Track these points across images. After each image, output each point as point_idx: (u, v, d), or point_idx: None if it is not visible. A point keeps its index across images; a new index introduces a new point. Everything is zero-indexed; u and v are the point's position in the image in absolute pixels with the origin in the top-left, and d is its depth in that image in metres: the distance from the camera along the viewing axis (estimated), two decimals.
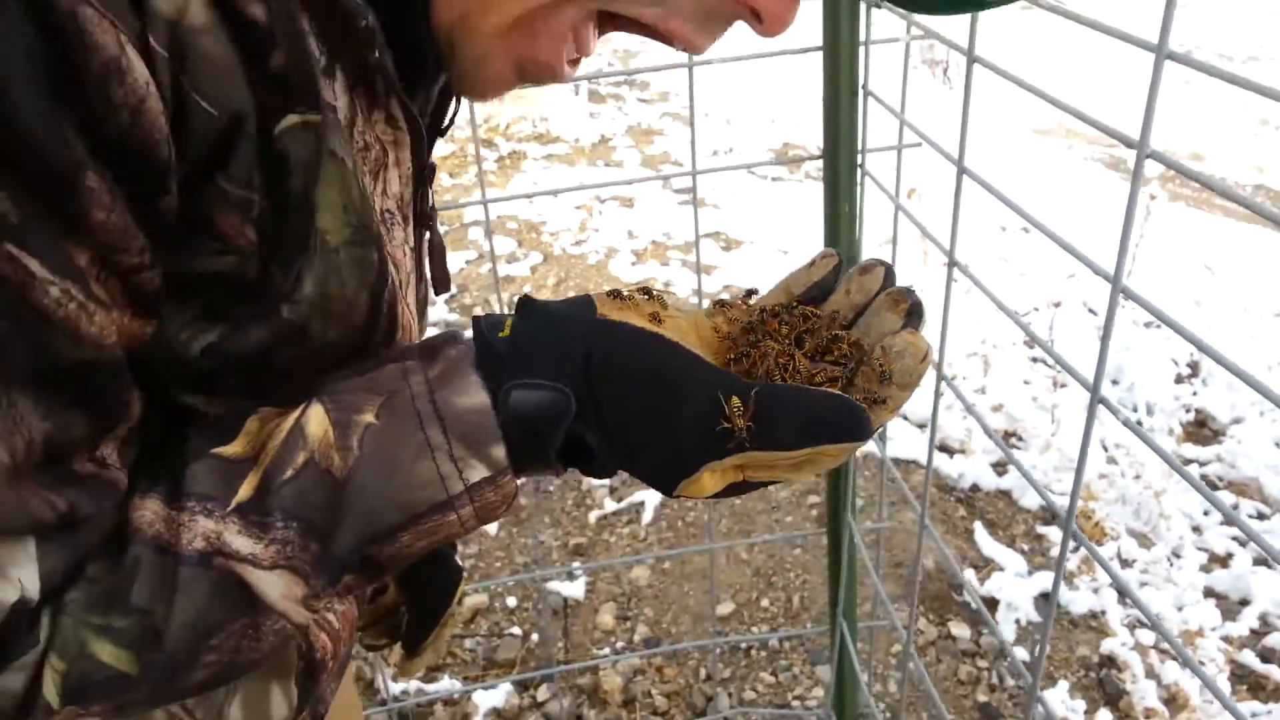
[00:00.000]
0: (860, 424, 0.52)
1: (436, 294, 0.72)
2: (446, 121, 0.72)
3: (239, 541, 0.49)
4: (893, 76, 1.32)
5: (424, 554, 0.54)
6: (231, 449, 0.51)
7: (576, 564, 2.49)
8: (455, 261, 4.13)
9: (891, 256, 1.42)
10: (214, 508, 0.49)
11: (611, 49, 9.62)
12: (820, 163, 1.32)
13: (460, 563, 1.06)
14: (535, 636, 2.30)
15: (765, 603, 2.39)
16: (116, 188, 0.43)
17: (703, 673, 2.20)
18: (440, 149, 5.73)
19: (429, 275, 0.72)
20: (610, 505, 2.72)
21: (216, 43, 0.44)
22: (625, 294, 0.59)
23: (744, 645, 2.28)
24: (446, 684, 2.14)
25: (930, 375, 0.97)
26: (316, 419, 0.51)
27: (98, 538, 0.47)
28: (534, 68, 0.61)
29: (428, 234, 0.70)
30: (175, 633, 0.48)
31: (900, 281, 0.62)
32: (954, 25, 1.07)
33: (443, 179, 5.27)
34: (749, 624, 2.33)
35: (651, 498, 2.72)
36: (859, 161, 1.34)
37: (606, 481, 2.86)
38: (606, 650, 2.25)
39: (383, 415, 0.51)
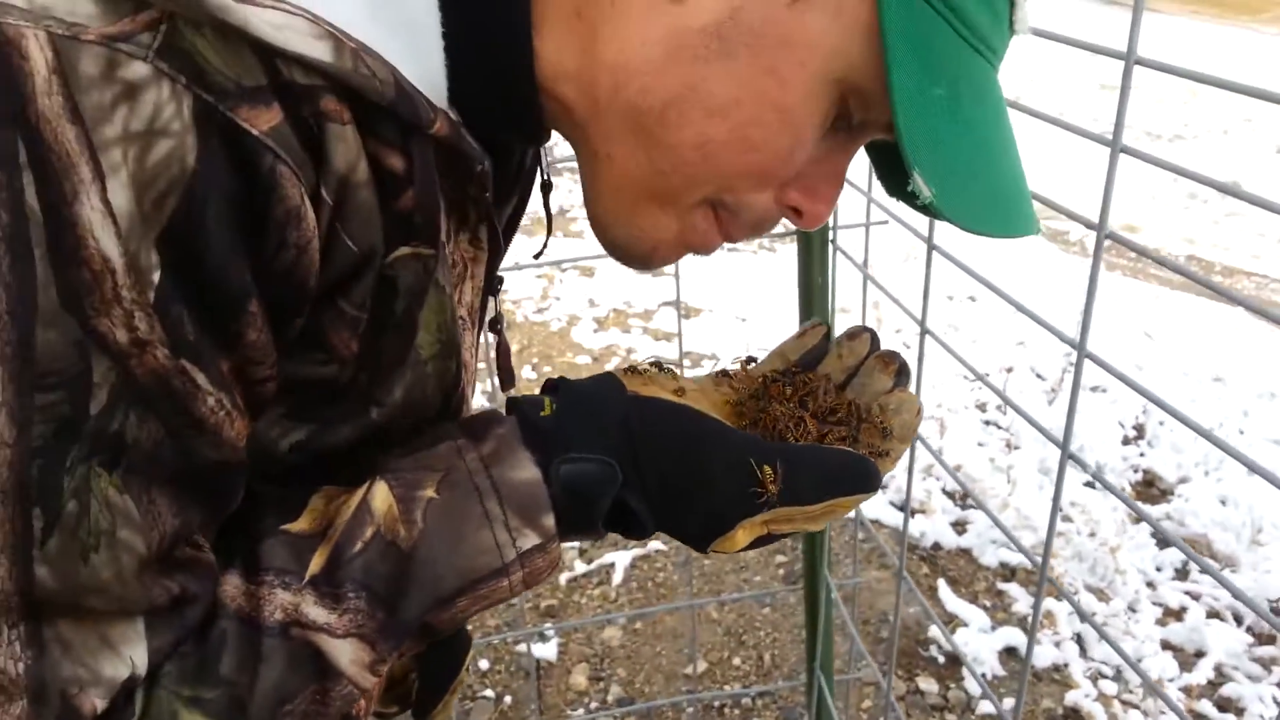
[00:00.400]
0: (872, 476, 0.59)
1: (503, 390, 0.77)
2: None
3: (315, 612, 0.53)
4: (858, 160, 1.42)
5: (475, 614, 0.59)
6: (299, 525, 0.56)
7: (548, 625, 2.51)
8: None
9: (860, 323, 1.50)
10: (290, 581, 0.53)
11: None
12: (772, 235, 1.40)
13: (469, 630, 1.10)
14: (509, 699, 2.32)
15: (737, 661, 2.43)
16: (267, 312, 0.48)
17: None
18: None
19: (496, 371, 0.79)
20: (580, 567, 2.75)
21: (368, 194, 0.50)
22: (641, 369, 0.66)
23: (718, 703, 2.31)
24: None
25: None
26: (381, 495, 0.56)
27: (200, 616, 0.51)
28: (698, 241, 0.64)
29: (494, 336, 0.76)
30: (258, 701, 0.52)
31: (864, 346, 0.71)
32: None
33: None
34: (721, 682, 2.37)
35: (621, 559, 2.75)
36: (831, 237, 1.43)
37: (575, 544, 2.89)
38: (580, 711, 2.27)
39: (443, 490, 0.56)
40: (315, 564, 0.54)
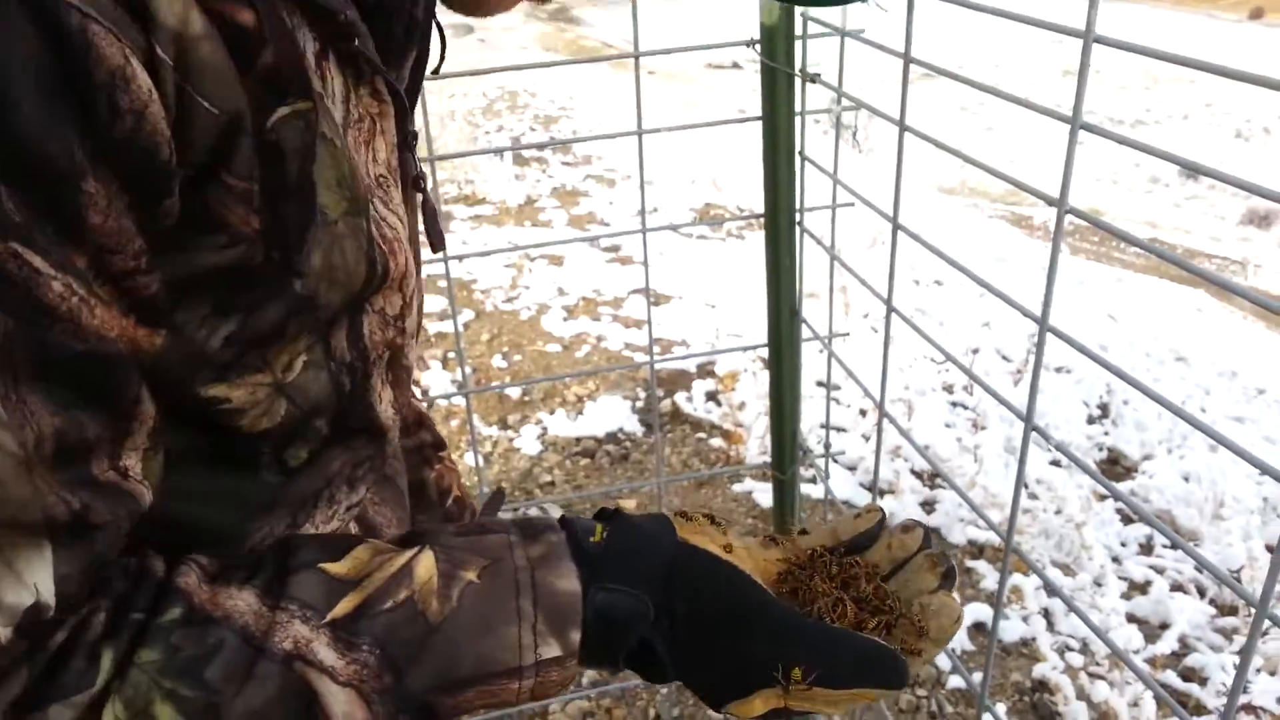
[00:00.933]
0: (902, 673, 0.58)
1: (433, 252, 0.76)
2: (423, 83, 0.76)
3: (325, 653, 0.52)
4: (825, 143, 1.43)
5: (474, 710, 0.58)
6: (337, 568, 0.55)
7: None
8: None
9: (828, 305, 1.52)
10: (311, 616, 0.53)
11: (533, 115, 9.79)
12: (741, 221, 1.42)
13: None
14: (536, 702, 2.33)
15: None
16: (117, 193, 0.45)
17: (651, 712, 2.24)
18: None
19: (425, 234, 0.76)
20: None
21: (213, 48, 0.48)
22: (692, 517, 0.65)
23: None
24: None
25: (872, 418, 1.07)
26: (425, 564, 0.55)
27: (111, 547, 0.50)
28: None
29: (420, 196, 0.74)
30: (234, 717, 0.51)
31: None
32: (883, 98, 1.19)
33: None
34: None
35: None
36: (798, 220, 1.45)
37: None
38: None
39: (485, 577, 0.56)
40: (341, 608, 0.53)
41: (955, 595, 0.64)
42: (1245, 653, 0.74)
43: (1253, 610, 0.71)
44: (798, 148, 1.37)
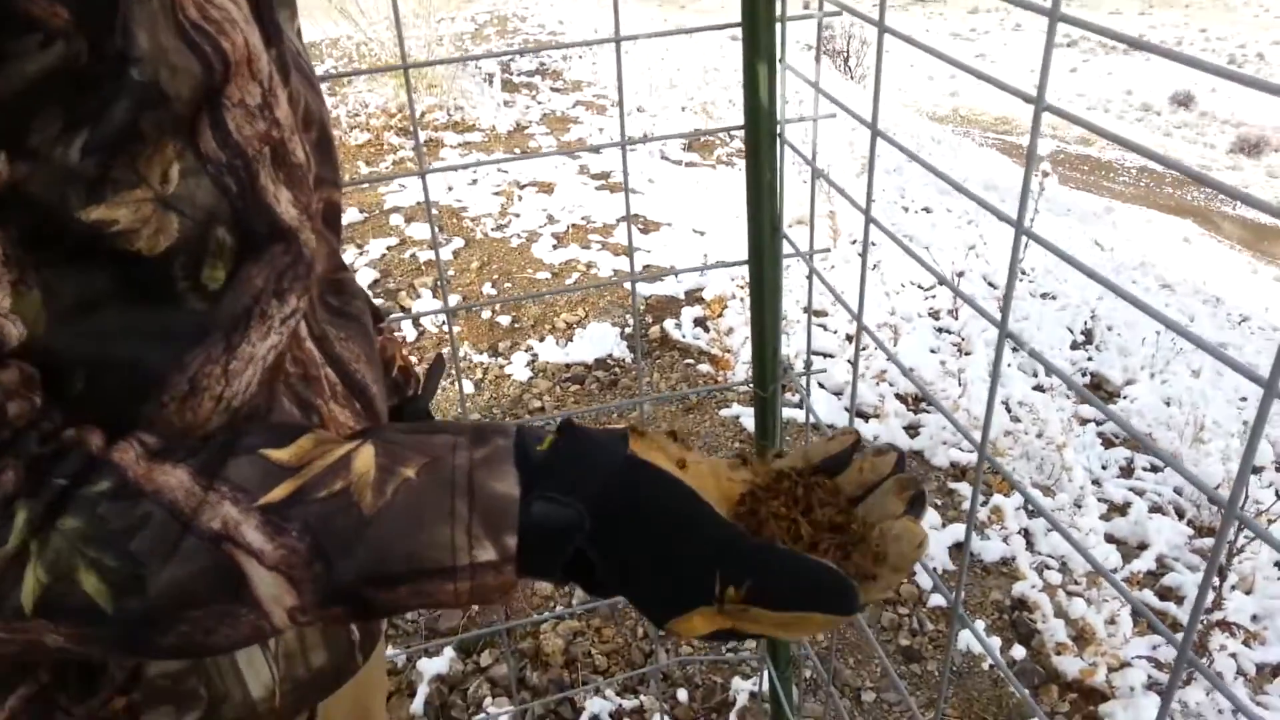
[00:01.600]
0: (849, 598, 0.55)
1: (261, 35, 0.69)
2: None
3: (252, 535, 0.52)
4: (807, 56, 1.41)
5: (413, 609, 0.58)
6: (279, 454, 0.55)
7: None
8: (377, 248, 4.14)
9: (810, 221, 1.52)
10: (242, 499, 0.53)
11: (522, 39, 9.63)
12: (731, 148, 1.40)
13: None
14: (476, 606, 2.36)
15: None
16: None
17: (640, 631, 2.29)
18: (357, 137, 5.65)
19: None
20: None
21: None
22: (649, 434, 0.63)
23: None
24: (390, 653, 2.19)
25: (851, 340, 1.07)
26: (364, 457, 0.55)
27: None
28: None
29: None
30: (159, 590, 0.51)
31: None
32: (862, 2, 1.17)
33: (360, 167, 5.25)
34: None
35: None
36: (779, 131, 1.43)
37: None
38: (546, 615, 2.32)
39: (422, 474, 0.55)
40: (275, 494, 0.54)
41: (920, 522, 0.62)
42: (1214, 554, 0.75)
43: (1228, 522, 0.72)
44: (778, 56, 1.35)
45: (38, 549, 0.50)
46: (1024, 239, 0.94)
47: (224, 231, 0.59)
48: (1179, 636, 0.76)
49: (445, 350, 3.50)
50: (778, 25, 1.32)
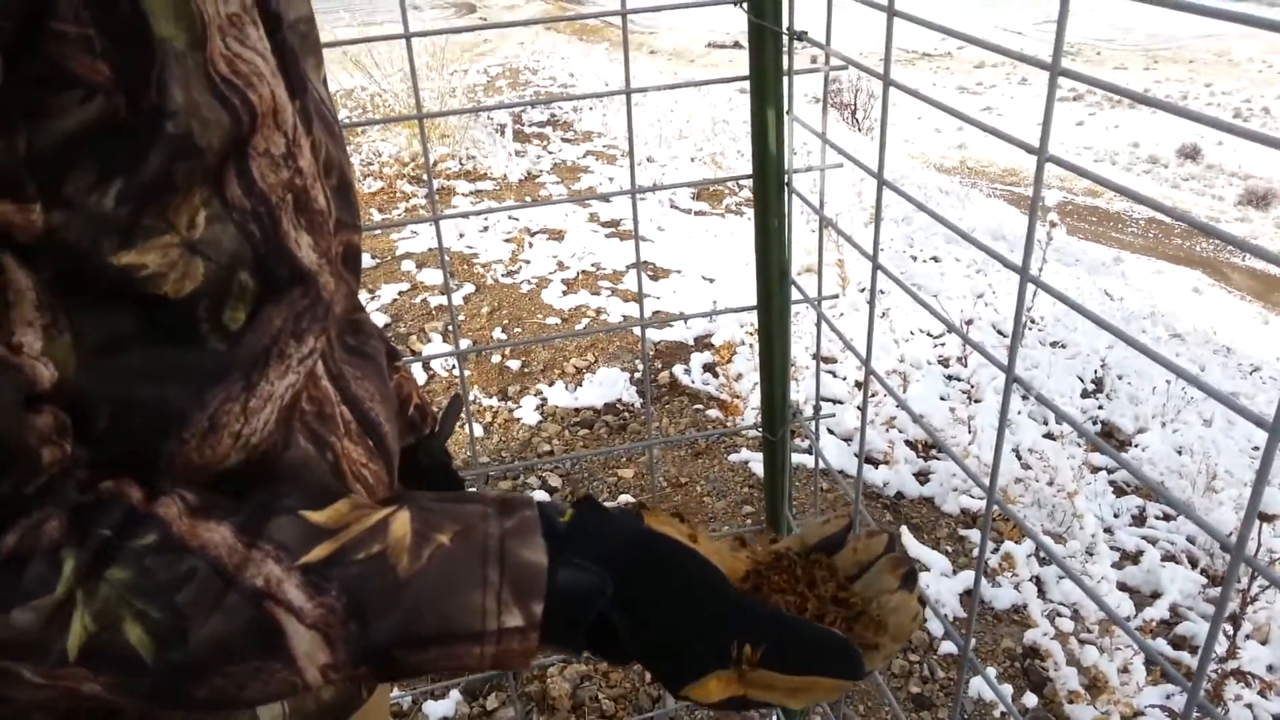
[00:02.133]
0: (856, 663, 0.60)
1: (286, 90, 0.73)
2: None
3: (294, 594, 0.54)
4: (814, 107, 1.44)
5: (434, 673, 0.60)
6: (317, 517, 0.57)
7: None
8: (389, 292, 4.18)
9: (818, 267, 1.54)
10: (284, 558, 0.55)
11: (534, 91, 9.77)
12: (740, 197, 1.43)
13: None
14: (495, 670, 2.36)
15: None
16: None
17: (648, 675, 2.27)
18: (370, 185, 5.72)
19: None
20: None
21: None
22: (659, 513, 0.67)
23: None
24: (395, 695, 2.18)
25: (859, 378, 1.09)
26: (400, 522, 0.58)
27: (11, 421, 0.51)
28: None
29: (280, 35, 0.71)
30: (200, 643, 0.53)
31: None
32: (868, 57, 1.20)
33: (373, 214, 5.31)
34: None
35: None
36: (787, 180, 1.46)
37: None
38: (554, 658, 2.31)
39: (456, 541, 0.58)
40: (316, 553, 0.55)
41: (915, 596, 0.66)
42: (1222, 597, 0.75)
43: (1241, 576, 0.73)
44: (785, 107, 1.38)
45: (85, 597, 0.51)
46: (1030, 286, 0.96)
47: (246, 275, 0.60)
48: (1190, 682, 0.77)
49: (426, 383, 3.52)
50: (785, 78, 1.36)
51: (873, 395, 3.55)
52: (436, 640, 0.56)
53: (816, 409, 1.67)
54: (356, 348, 0.80)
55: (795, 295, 1.57)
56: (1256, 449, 4.52)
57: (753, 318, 3.74)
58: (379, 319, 3.94)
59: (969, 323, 4.28)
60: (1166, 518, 3.47)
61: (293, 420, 0.69)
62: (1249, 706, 2.40)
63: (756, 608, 0.61)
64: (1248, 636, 2.57)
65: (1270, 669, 2.56)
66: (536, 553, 0.58)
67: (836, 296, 1.52)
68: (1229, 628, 2.48)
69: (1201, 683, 0.73)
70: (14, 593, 0.50)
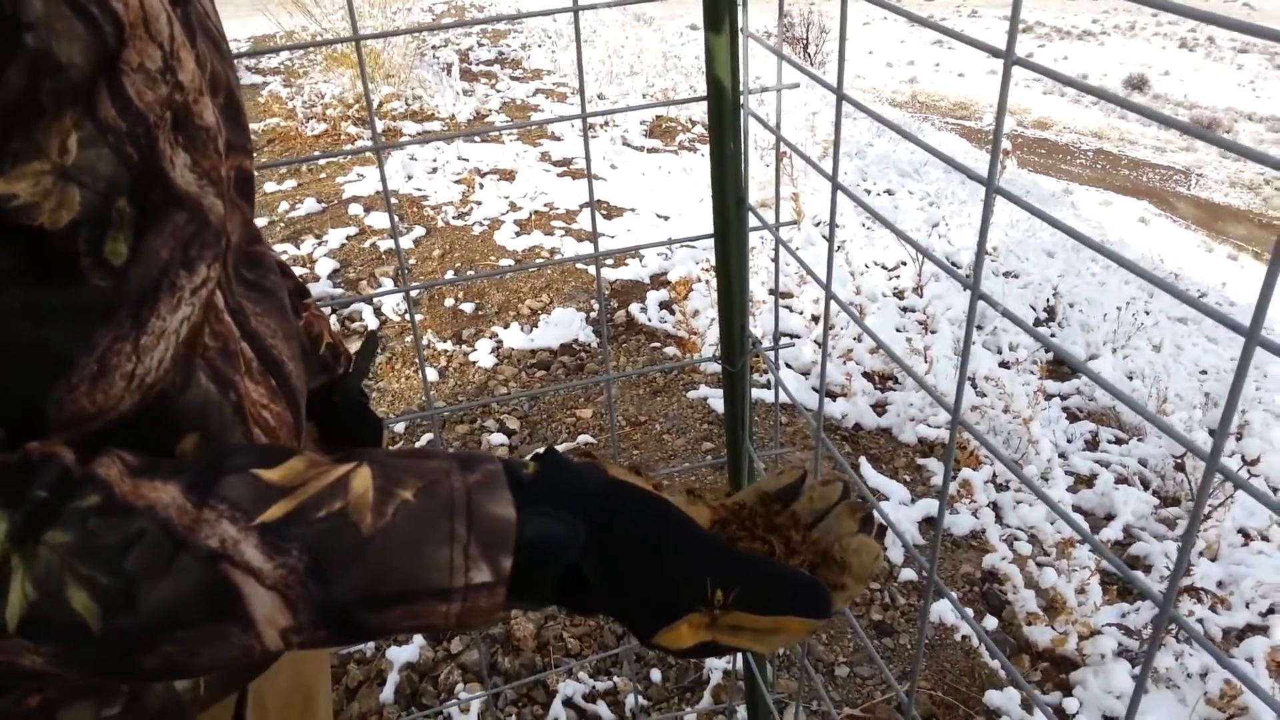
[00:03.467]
0: (823, 601, 0.60)
1: None
2: None
3: (251, 554, 0.51)
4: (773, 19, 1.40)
5: (395, 635, 0.57)
6: (271, 475, 0.54)
7: None
8: (336, 237, 4.08)
9: (775, 192, 1.51)
10: (239, 517, 0.51)
11: (480, 29, 9.54)
12: (693, 134, 1.38)
13: None
14: (459, 630, 2.34)
15: None
16: None
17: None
18: (314, 128, 5.57)
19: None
20: None
21: None
22: (621, 465, 0.66)
23: None
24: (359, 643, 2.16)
25: (820, 310, 1.06)
26: (361, 478, 0.55)
27: None
28: None
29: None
30: (149, 609, 0.50)
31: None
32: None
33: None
34: None
35: None
36: (742, 102, 1.42)
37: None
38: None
39: (420, 496, 0.55)
40: (272, 513, 0.53)
41: (874, 538, 0.67)
42: (1196, 507, 0.74)
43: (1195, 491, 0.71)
44: (740, 24, 1.33)
45: (23, 563, 0.48)
46: (995, 200, 0.93)
47: (124, 202, 0.56)
48: (1160, 591, 0.75)
49: (379, 328, 3.46)
50: None
51: (830, 329, 3.54)
52: (401, 599, 0.54)
53: (776, 339, 1.64)
54: (255, 282, 0.76)
55: (753, 223, 1.53)
56: (1205, 373, 4.60)
57: (708, 255, 3.70)
58: (328, 264, 3.85)
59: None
60: (1119, 442, 3.53)
61: (194, 357, 0.65)
62: (1200, 621, 2.46)
63: (729, 551, 0.60)
64: (1199, 554, 2.62)
65: (1220, 584, 2.62)
66: (504, 506, 0.56)
67: (795, 223, 1.49)
68: (1181, 544, 2.53)
69: (1174, 595, 0.72)
70: None
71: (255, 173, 0.75)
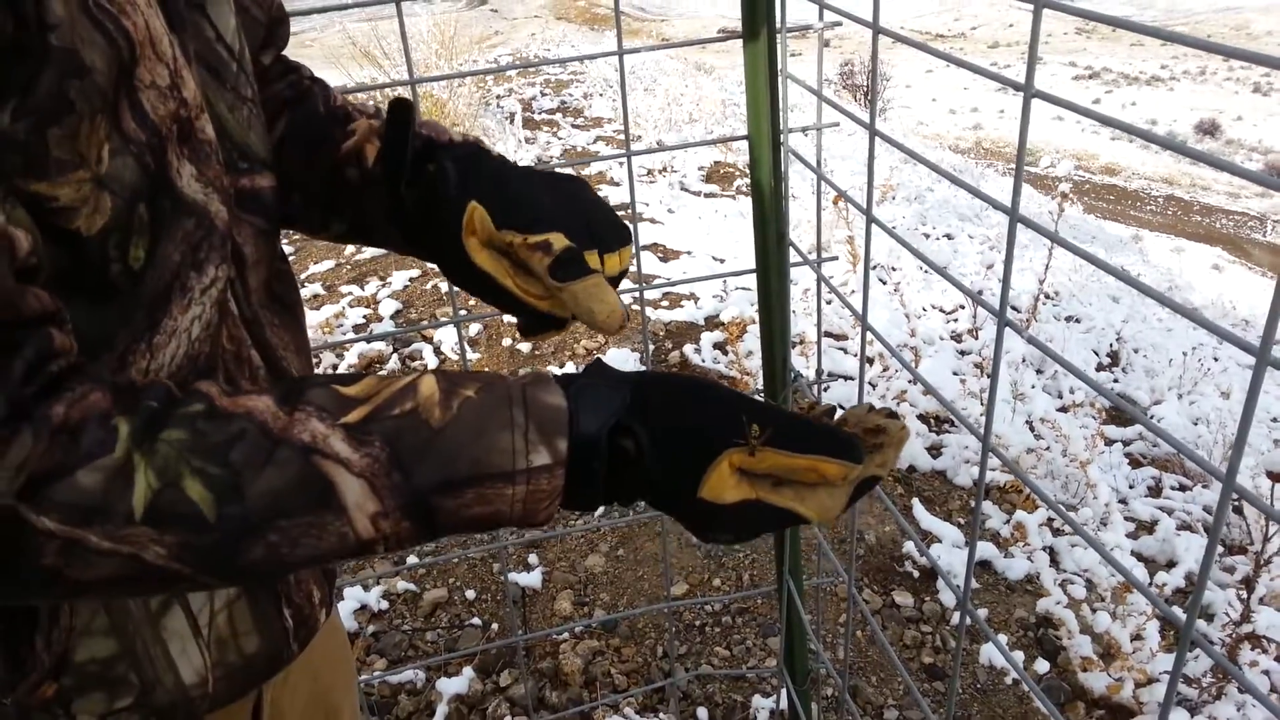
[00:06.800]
0: (855, 446, 0.65)
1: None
2: None
3: (340, 446, 0.57)
4: (810, 64, 1.44)
5: (472, 528, 0.62)
6: (348, 389, 0.60)
7: (533, 554, 2.55)
8: (400, 279, 4.19)
9: (816, 226, 1.53)
10: (326, 417, 0.58)
11: (544, 79, 9.77)
12: (749, 179, 1.42)
13: None
14: (495, 626, 2.37)
15: (717, 582, 2.48)
16: None
17: (659, 650, 2.28)
18: None
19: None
20: None
21: None
22: None
23: (698, 623, 2.36)
24: (409, 673, 2.19)
25: (879, 365, 1.07)
26: (427, 383, 0.61)
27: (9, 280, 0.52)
28: None
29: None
30: (255, 497, 0.55)
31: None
32: (860, 5, 1.19)
33: None
34: (702, 602, 2.42)
35: None
36: (782, 140, 1.45)
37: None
38: (566, 634, 2.32)
39: (481, 393, 0.61)
40: (353, 415, 0.58)
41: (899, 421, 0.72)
42: (1216, 521, 0.74)
43: (1255, 538, 0.72)
44: (780, 66, 1.37)
45: (144, 458, 0.53)
46: (1045, 248, 0.95)
47: (144, 208, 0.62)
48: (1182, 616, 0.76)
49: (439, 365, 3.52)
50: (778, 37, 1.35)
51: (884, 371, 3.53)
52: (471, 481, 0.59)
53: (819, 372, 1.66)
54: (279, 296, 0.81)
55: (795, 259, 1.56)
56: (1276, 420, 4.48)
57: None
58: (390, 305, 3.95)
59: (979, 293, 4.25)
60: (1182, 488, 3.44)
61: (216, 356, 0.70)
62: (1265, 673, 2.38)
63: (759, 404, 0.66)
64: (1262, 600, 2.55)
65: None
66: (556, 396, 0.62)
67: (835, 258, 1.51)
68: (1244, 591, 2.46)
69: (1195, 615, 0.72)
70: (75, 456, 0.51)
71: (272, 193, 0.79)
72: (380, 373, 0.64)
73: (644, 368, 3.59)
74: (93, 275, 0.60)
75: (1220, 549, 2.97)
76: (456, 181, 0.77)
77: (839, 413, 0.74)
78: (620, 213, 4.73)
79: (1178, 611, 0.73)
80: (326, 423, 0.57)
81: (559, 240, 0.75)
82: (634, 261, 0.99)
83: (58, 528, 0.51)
